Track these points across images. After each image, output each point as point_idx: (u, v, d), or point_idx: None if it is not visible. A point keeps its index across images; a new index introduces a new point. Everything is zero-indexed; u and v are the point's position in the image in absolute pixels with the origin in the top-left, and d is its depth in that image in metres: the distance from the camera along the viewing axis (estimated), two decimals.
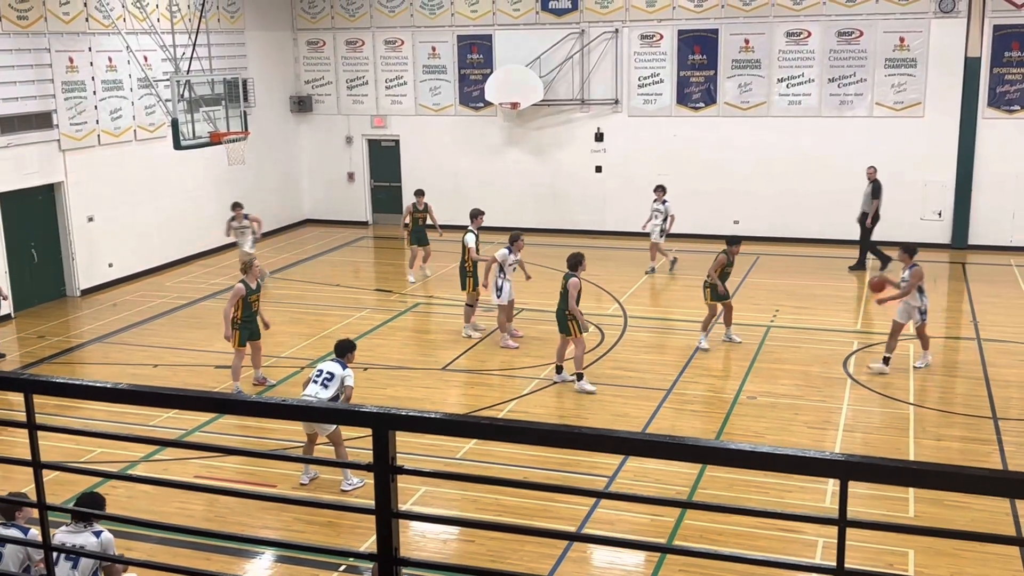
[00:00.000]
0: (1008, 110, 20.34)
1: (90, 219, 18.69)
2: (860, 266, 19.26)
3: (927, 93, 20.64)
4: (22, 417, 3.14)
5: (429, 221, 18.92)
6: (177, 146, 17.77)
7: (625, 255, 20.14)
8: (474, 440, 10.79)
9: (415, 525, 9.59)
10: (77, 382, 3.15)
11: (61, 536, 6.75)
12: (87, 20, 18.49)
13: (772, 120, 21.55)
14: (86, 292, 18.65)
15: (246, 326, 13.09)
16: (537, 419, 11.86)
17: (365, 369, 13.56)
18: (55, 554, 6.55)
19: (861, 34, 20.84)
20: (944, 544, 8.85)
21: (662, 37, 22.00)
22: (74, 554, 6.37)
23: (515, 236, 15.05)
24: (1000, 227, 20.69)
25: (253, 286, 13.16)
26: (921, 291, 13.34)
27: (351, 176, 24.87)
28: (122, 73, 19.28)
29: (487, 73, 22.95)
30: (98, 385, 3.12)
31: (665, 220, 19.06)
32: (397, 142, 24.40)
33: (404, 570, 2.90)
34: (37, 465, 3.13)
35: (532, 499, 10.02)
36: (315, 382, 10.27)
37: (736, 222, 21.52)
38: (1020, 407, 12.45)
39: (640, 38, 22.15)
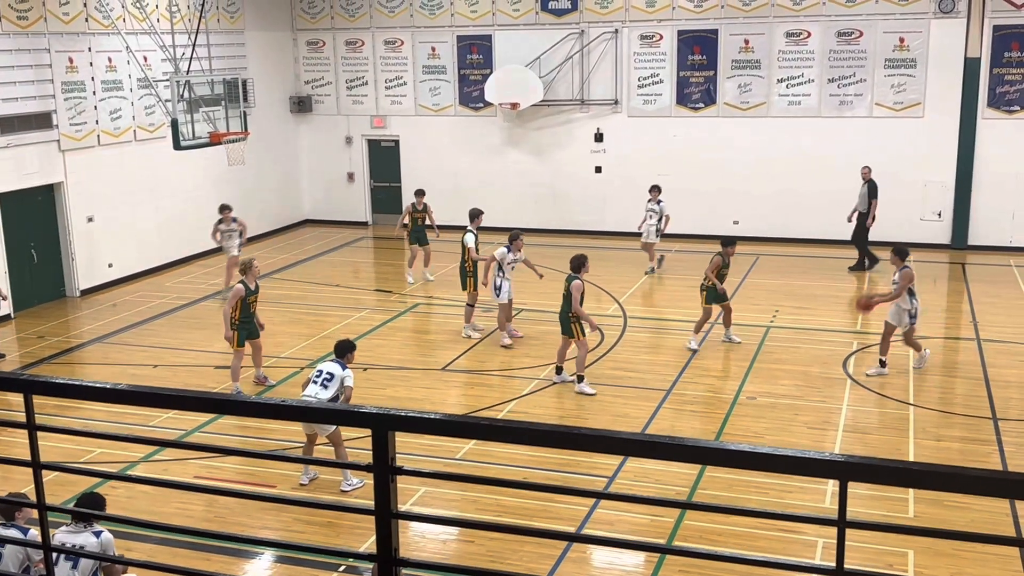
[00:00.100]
0: (1008, 110, 20.35)
1: (90, 219, 18.69)
2: (860, 266, 19.26)
3: (927, 93, 20.65)
4: (22, 417, 3.14)
5: (428, 221, 18.92)
6: (177, 146, 17.77)
7: (625, 255, 20.14)
8: (474, 440, 10.78)
9: (415, 525, 9.58)
10: (77, 382, 3.14)
11: (61, 536, 6.75)
12: (87, 20, 18.50)
13: (772, 120, 21.55)
14: (86, 292, 18.65)
15: (244, 326, 13.09)
16: (537, 420, 11.86)
17: (365, 369, 13.56)
18: (55, 554, 6.55)
19: (861, 34, 20.84)
20: (944, 545, 8.85)
21: (662, 37, 22.00)
22: (74, 554, 6.37)
23: (514, 235, 15.06)
24: (1000, 227, 20.70)
25: (252, 287, 13.17)
26: (912, 293, 13.28)
27: (351, 176, 24.87)
28: (122, 73, 19.28)
29: (487, 73, 22.95)
30: (98, 385, 3.12)
31: (660, 220, 19.07)
32: (397, 142, 24.41)
33: (404, 570, 2.90)
34: (37, 465, 3.13)
35: (532, 499, 10.02)
36: (315, 383, 10.27)
37: (736, 222, 21.52)
38: (1020, 407, 12.45)
39: (640, 38, 22.16)
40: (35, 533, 6.73)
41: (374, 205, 25.01)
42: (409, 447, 10.35)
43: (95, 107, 18.72)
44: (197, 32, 18.39)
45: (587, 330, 13.01)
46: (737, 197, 21.80)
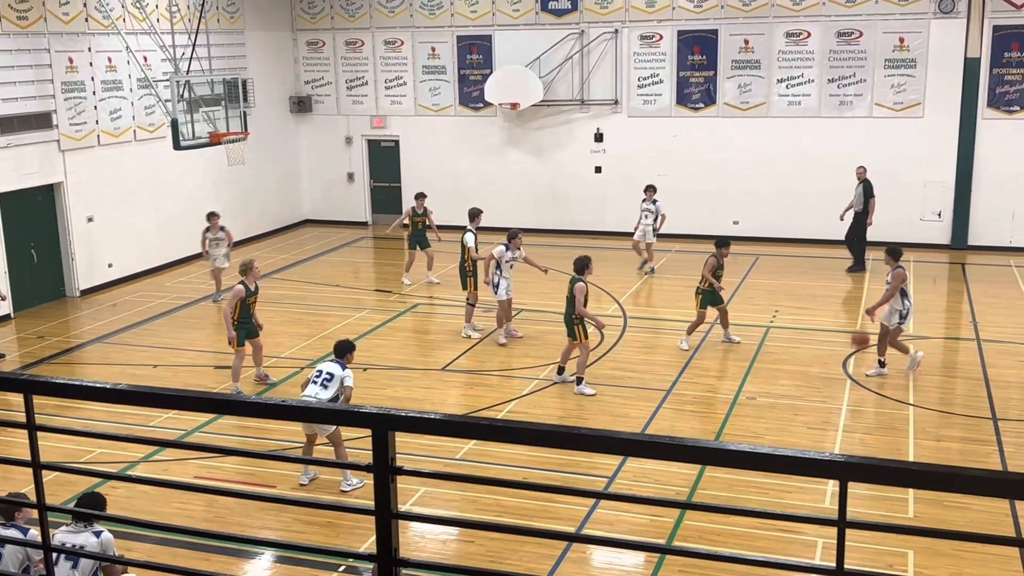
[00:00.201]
0: (1008, 110, 20.35)
1: (90, 219, 18.69)
2: (859, 268, 19.24)
3: (927, 93, 20.65)
4: (22, 418, 3.14)
5: (429, 224, 18.88)
6: (177, 146, 17.77)
7: (625, 255, 20.13)
8: (473, 441, 10.79)
9: (415, 525, 9.58)
10: (77, 383, 3.14)
11: (61, 536, 6.75)
12: (87, 20, 18.50)
13: (772, 121, 21.55)
14: (86, 292, 18.64)
15: (243, 326, 13.10)
16: (536, 420, 11.85)
17: (365, 369, 13.56)
18: (55, 554, 6.55)
19: (861, 34, 20.84)
20: (943, 545, 8.85)
21: (662, 37, 22.00)
22: (74, 554, 6.37)
23: (513, 234, 15.07)
24: (1000, 227, 20.69)
25: (252, 288, 13.17)
26: (904, 294, 13.29)
27: (351, 176, 24.87)
28: (122, 73, 19.28)
29: (487, 73, 22.95)
30: (98, 386, 3.12)
31: (656, 219, 19.08)
32: (397, 142, 24.41)
33: (404, 571, 2.90)
34: (37, 466, 3.13)
35: (531, 499, 10.02)
36: (314, 383, 10.27)
37: (736, 222, 21.52)
38: (1020, 408, 12.45)
39: (640, 38, 22.16)
40: (35, 533, 6.73)
41: (374, 205, 25.01)
42: (409, 447, 10.35)
43: (95, 107, 18.72)
44: (197, 32, 18.39)
45: (591, 330, 13.00)
46: (737, 197, 21.79)
